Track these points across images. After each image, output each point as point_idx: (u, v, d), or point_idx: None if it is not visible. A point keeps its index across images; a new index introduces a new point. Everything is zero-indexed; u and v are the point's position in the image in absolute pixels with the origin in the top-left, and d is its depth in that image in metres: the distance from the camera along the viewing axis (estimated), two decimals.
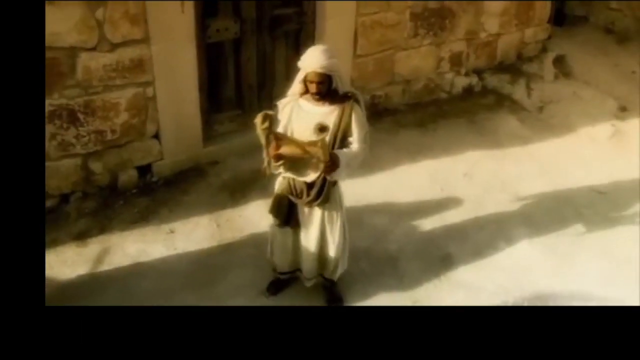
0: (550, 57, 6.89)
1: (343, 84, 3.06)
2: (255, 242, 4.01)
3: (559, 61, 6.92)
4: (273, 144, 2.92)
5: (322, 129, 2.96)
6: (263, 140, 2.91)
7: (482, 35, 6.34)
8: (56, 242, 3.96)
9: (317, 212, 3.24)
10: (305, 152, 2.92)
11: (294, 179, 3.14)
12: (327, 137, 2.97)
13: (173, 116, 4.52)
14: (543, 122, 5.91)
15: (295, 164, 3.06)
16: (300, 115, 3.04)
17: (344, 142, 3.05)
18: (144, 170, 4.58)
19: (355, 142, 3.05)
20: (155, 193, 4.49)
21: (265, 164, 3.03)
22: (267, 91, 5.08)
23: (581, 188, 4.83)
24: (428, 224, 4.32)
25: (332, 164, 2.94)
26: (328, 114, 3.01)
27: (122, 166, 4.45)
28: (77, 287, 3.64)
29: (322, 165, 2.94)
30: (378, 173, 4.79)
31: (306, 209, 3.24)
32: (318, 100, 3.01)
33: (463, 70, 6.37)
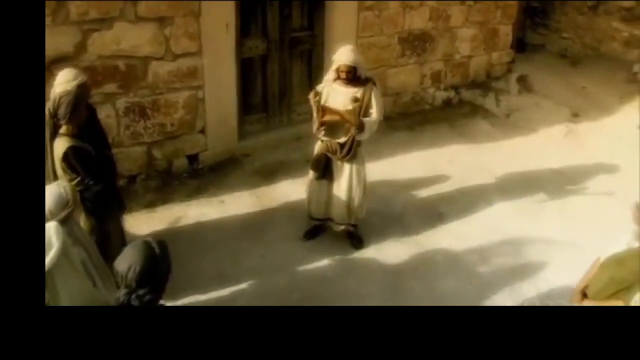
0: (514, 76, 8.19)
1: (364, 72, 4.20)
2: (289, 208, 5.08)
3: (522, 79, 8.21)
4: (321, 113, 4.04)
5: (355, 100, 4.07)
6: (314, 109, 4.04)
7: (457, 57, 7.60)
8: (130, 210, 4.90)
9: (346, 167, 4.32)
10: (343, 118, 4.05)
11: (330, 141, 4.24)
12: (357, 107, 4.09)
13: (216, 115, 5.59)
14: (510, 125, 7.14)
15: (332, 129, 4.18)
16: (334, 95, 4.17)
17: (366, 114, 4.17)
18: (192, 158, 5.62)
19: (374, 113, 4.18)
20: (202, 177, 5.54)
21: (315, 127, 4.16)
22: (286, 99, 6.22)
23: (543, 170, 6.00)
24: (423, 193, 5.43)
25: (361, 126, 4.06)
26: (355, 93, 4.14)
27: (176, 154, 5.49)
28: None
29: (353, 128, 4.06)
30: (378, 161, 5.84)
31: (338, 164, 4.33)
32: (347, 83, 4.14)
33: (442, 86, 7.60)
